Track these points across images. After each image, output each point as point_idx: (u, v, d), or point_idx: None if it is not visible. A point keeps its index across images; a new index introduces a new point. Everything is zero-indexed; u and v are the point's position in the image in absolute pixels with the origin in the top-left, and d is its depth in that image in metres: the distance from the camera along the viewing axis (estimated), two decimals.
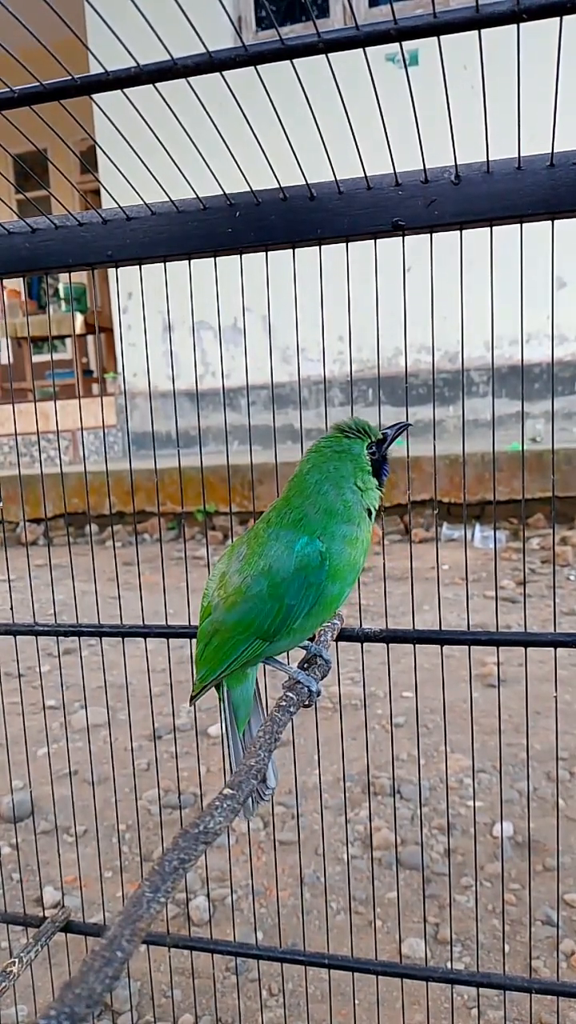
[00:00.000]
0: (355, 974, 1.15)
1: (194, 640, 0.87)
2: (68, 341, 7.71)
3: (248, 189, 0.84)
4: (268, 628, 0.77)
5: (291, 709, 0.72)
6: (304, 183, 0.82)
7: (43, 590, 3.49)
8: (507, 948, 1.33)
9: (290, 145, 0.73)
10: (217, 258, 0.90)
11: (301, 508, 0.78)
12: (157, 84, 0.65)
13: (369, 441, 0.80)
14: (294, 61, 0.63)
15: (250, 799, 0.86)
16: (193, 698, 0.85)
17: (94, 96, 0.67)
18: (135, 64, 0.63)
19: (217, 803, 0.49)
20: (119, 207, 0.89)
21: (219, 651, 0.80)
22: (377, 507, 0.80)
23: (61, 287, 6.34)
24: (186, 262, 0.91)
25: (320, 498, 0.77)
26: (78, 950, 1.32)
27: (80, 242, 0.91)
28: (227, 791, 0.51)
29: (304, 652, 0.87)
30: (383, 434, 0.81)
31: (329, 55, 0.61)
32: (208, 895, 1.52)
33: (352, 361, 0.88)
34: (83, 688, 1.36)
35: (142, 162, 0.82)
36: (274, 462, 1.01)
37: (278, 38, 0.61)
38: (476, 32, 0.59)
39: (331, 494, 0.77)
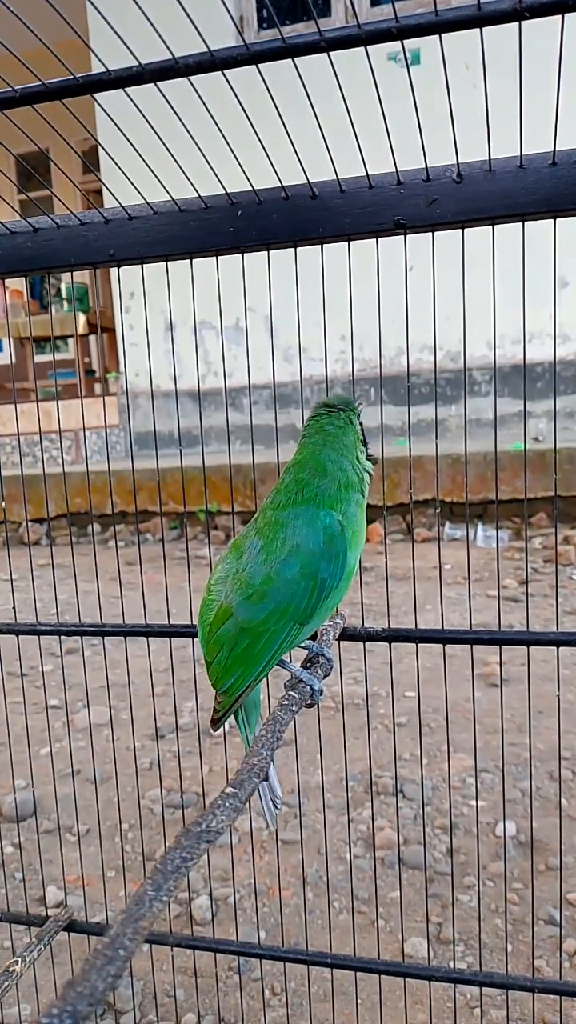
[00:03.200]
0: (358, 973, 1.15)
1: (196, 640, 0.86)
2: (70, 341, 7.72)
3: (250, 188, 0.84)
4: (305, 608, 0.75)
5: (293, 708, 0.72)
6: (306, 182, 0.82)
7: (45, 589, 3.51)
8: (510, 948, 1.33)
9: (292, 144, 0.73)
10: (219, 257, 0.90)
11: (317, 485, 0.78)
12: (159, 83, 0.65)
13: (355, 412, 0.84)
14: (296, 60, 0.63)
15: (270, 810, 0.84)
16: (218, 721, 0.79)
17: (96, 95, 0.67)
18: (137, 63, 0.63)
19: (219, 802, 0.49)
20: (121, 206, 0.89)
21: (251, 650, 0.76)
22: (371, 475, 0.83)
23: (63, 287, 6.35)
24: (188, 261, 0.91)
25: (340, 473, 0.79)
26: (81, 949, 1.33)
27: (82, 241, 0.91)
28: (229, 790, 0.51)
29: (306, 652, 0.87)
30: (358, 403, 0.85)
31: (331, 54, 0.61)
32: (211, 894, 1.52)
33: (354, 360, 0.89)
34: (85, 687, 1.36)
35: (144, 161, 0.82)
36: (276, 461, 1.01)
37: (280, 37, 0.61)
38: (478, 30, 0.59)
39: (347, 468, 0.80)
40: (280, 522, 0.77)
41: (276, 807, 0.84)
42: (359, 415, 0.84)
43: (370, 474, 0.83)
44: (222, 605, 0.78)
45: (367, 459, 0.83)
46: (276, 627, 0.75)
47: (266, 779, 0.81)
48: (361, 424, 0.85)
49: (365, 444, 0.84)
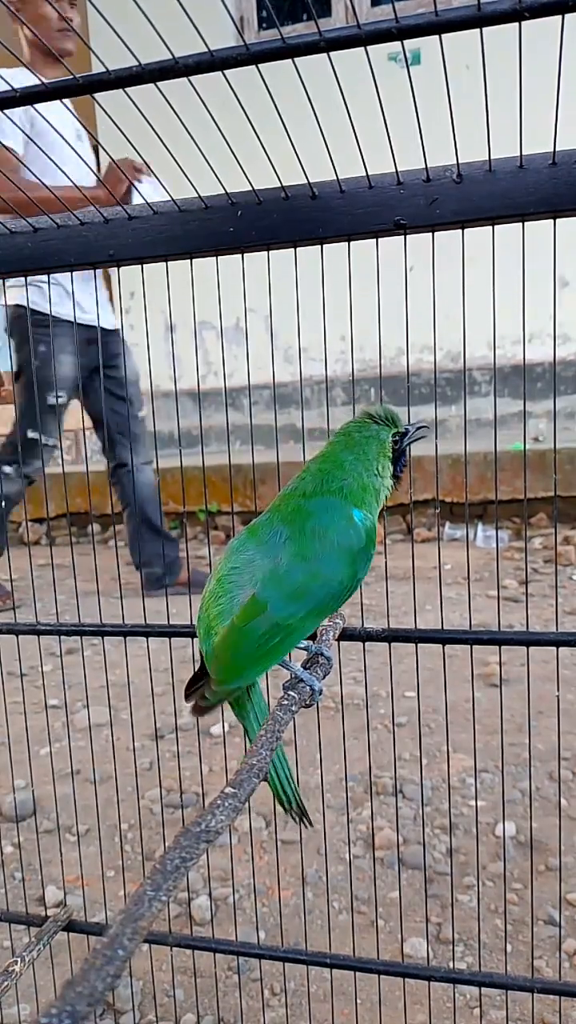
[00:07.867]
0: (357, 974, 1.15)
1: (197, 640, 0.85)
2: None
3: (250, 188, 0.84)
4: (335, 605, 0.78)
5: (293, 708, 0.72)
6: (306, 182, 0.82)
7: (45, 589, 3.50)
8: (509, 948, 1.33)
9: (292, 144, 0.73)
10: (219, 257, 0.90)
11: (340, 479, 0.80)
12: (159, 83, 0.65)
13: (395, 430, 0.84)
14: (296, 60, 0.63)
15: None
16: (207, 709, 0.80)
17: (96, 95, 0.67)
18: (137, 63, 0.63)
19: (219, 802, 0.49)
20: (121, 206, 0.89)
21: (281, 645, 0.75)
22: (388, 496, 0.84)
23: None
24: (188, 261, 0.91)
25: (356, 477, 0.81)
26: (80, 949, 1.33)
27: (82, 241, 0.91)
28: (229, 790, 0.51)
29: (305, 652, 0.87)
30: (406, 428, 0.85)
31: (331, 54, 0.61)
32: (210, 894, 1.52)
33: (354, 361, 0.89)
34: (85, 687, 1.36)
35: (144, 161, 0.82)
36: (276, 461, 1.01)
37: (280, 37, 0.61)
38: (478, 30, 0.59)
39: (362, 473, 0.81)
40: (308, 511, 0.78)
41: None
42: (397, 435, 0.84)
43: (388, 491, 0.84)
44: (253, 597, 0.75)
45: (391, 477, 0.84)
46: (309, 622, 0.77)
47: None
48: (397, 442, 0.84)
49: (396, 463, 0.84)
